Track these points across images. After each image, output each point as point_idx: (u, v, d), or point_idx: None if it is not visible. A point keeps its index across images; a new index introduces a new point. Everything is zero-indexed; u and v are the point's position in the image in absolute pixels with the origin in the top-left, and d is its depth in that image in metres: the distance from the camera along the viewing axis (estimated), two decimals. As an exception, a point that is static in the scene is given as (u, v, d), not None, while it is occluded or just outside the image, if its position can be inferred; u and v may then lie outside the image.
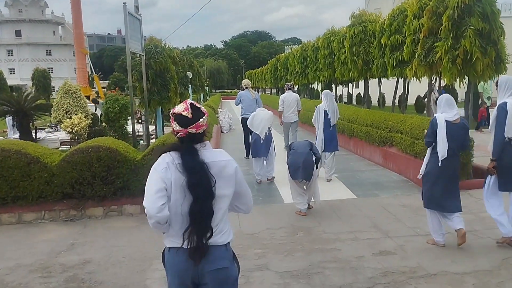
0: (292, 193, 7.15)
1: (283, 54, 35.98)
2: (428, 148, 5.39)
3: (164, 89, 11.62)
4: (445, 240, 5.43)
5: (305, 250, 5.53)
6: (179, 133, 2.65)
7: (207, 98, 43.02)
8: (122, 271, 5.20)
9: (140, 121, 17.72)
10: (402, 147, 9.03)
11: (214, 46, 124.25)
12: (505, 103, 5.09)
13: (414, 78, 10.67)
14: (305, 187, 7.07)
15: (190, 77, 22.69)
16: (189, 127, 2.62)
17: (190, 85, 22.39)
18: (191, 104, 2.68)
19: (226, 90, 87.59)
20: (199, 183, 2.55)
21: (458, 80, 8.36)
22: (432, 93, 11.91)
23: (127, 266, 5.33)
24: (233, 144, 15.12)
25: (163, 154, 2.67)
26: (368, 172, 9.82)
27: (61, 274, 5.17)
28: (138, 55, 11.31)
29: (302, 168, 6.75)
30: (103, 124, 16.91)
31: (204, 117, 2.68)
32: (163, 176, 2.57)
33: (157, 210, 2.51)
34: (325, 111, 9.12)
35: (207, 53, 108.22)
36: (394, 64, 11.63)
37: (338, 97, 23.89)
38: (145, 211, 2.56)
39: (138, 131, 17.19)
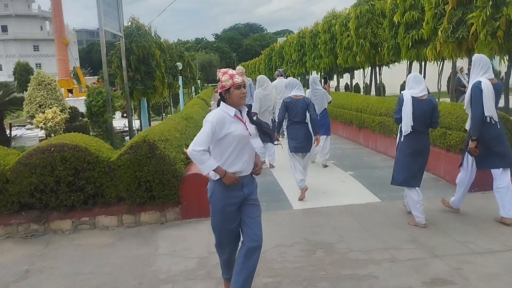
0: (294, 172, 6.89)
1: (277, 43, 34.47)
2: (400, 126, 5.42)
3: (149, 78, 10.23)
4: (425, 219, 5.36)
5: (329, 278, 4.17)
6: None
7: (199, 91, 41.53)
8: (84, 314, 3.83)
9: (126, 115, 16.30)
10: (429, 138, 7.66)
11: (205, 39, 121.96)
12: (480, 82, 5.08)
13: (434, 59, 9.36)
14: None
15: (180, 68, 21.27)
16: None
17: (180, 77, 20.96)
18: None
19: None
20: None
21: (498, 57, 7.01)
22: (458, 76, 10.58)
23: (92, 307, 3.95)
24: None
25: None
26: (388, 168, 8.36)
27: (1, 321, 3.79)
28: (118, 39, 9.87)
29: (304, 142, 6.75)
30: (85, 119, 15.56)
31: (218, 83, 3.45)
32: None
33: None
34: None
35: (198, 46, 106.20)
36: (410, 45, 10.26)
37: (336, 87, 22.48)
38: None
39: (126, 126, 15.84)
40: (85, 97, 16.09)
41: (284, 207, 6.50)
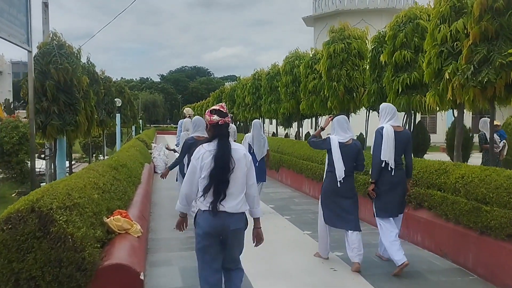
0: None
1: (228, 85, 32.68)
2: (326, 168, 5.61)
3: (70, 111, 7.76)
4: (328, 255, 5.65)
5: None
6: (219, 121, 3.59)
7: (140, 131, 38.76)
8: None
9: (43, 156, 13.54)
10: (442, 211, 5.67)
11: (150, 79, 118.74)
12: (382, 127, 5.29)
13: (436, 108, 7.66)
14: None
15: (119, 104, 18.84)
16: (225, 117, 3.62)
17: (118, 114, 18.47)
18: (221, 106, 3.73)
19: (162, 125, 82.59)
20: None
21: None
22: (484, 132, 8.94)
23: None
24: (168, 191, 11.30)
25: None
26: (372, 236, 6.23)
27: None
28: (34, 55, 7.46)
29: None
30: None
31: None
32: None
33: None
34: (249, 144, 8.52)
35: (142, 86, 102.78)
36: (400, 90, 8.51)
37: (297, 134, 20.78)
38: None
39: (41, 169, 13.10)
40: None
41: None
